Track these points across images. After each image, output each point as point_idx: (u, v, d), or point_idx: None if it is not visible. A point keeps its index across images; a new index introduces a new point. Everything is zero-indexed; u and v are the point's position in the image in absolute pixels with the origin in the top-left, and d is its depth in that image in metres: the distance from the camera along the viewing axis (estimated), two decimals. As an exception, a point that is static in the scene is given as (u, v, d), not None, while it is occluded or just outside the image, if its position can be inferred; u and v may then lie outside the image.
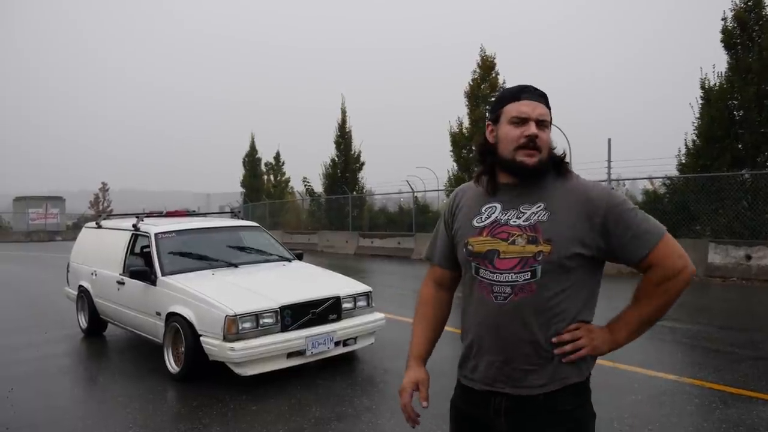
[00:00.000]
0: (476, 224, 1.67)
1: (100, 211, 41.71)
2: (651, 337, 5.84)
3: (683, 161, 13.04)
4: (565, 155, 1.67)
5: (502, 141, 1.63)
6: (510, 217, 1.62)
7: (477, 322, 1.67)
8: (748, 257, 10.47)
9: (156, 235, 5.97)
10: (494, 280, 1.61)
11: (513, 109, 1.62)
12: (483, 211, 1.68)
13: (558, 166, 1.64)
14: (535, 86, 1.67)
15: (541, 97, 1.63)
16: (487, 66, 19.10)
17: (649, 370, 4.97)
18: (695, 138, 12.83)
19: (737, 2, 12.28)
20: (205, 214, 8.82)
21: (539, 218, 1.59)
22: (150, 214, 7.33)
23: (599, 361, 1.71)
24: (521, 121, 1.60)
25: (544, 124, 1.61)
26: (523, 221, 1.60)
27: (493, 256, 1.61)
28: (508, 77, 21.74)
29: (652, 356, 5.38)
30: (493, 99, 1.89)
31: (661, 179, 13.74)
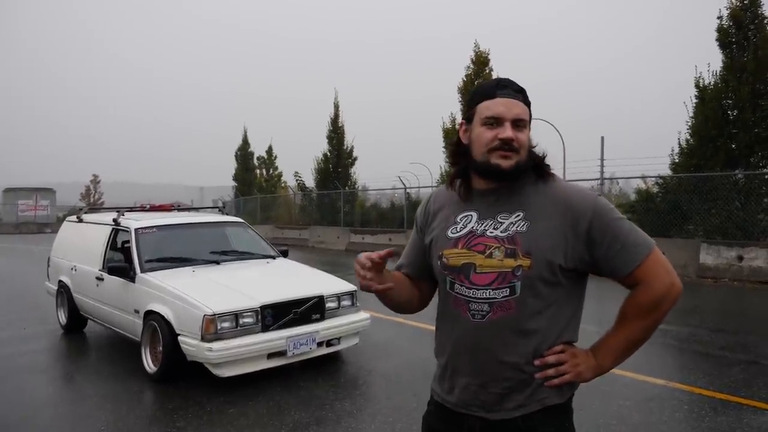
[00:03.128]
0: (451, 235, 1.53)
1: (91, 203, 41.41)
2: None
3: (677, 160, 12.97)
4: (545, 156, 1.52)
5: (476, 143, 1.48)
6: (487, 228, 1.48)
7: (453, 341, 1.54)
8: (740, 258, 10.40)
9: (136, 230, 5.81)
10: (471, 297, 1.47)
11: (487, 108, 1.46)
12: (458, 220, 1.54)
13: (538, 168, 1.50)
14: (512, 80, 1.50)
15: (518, 93, 1.47)
16: (481, 61, 18.95)
17: (638, 374, 4.87)
18: (689, 137, 12.76)
19: (733, 1, 12.19)
20: (197, 209, 8.68)
21: (518, 229, 1.45)
22: (132, 209, 7.19)
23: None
24: (496, 121, 1.45)
25: (521, 124, 1.45)
26: (501, 232, 1.46)
27: (470, 270, 1.47)
28: (503, 73, 21.60)
29: (640, 359, 5.21)
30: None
31: (653, 178, 13.67)
